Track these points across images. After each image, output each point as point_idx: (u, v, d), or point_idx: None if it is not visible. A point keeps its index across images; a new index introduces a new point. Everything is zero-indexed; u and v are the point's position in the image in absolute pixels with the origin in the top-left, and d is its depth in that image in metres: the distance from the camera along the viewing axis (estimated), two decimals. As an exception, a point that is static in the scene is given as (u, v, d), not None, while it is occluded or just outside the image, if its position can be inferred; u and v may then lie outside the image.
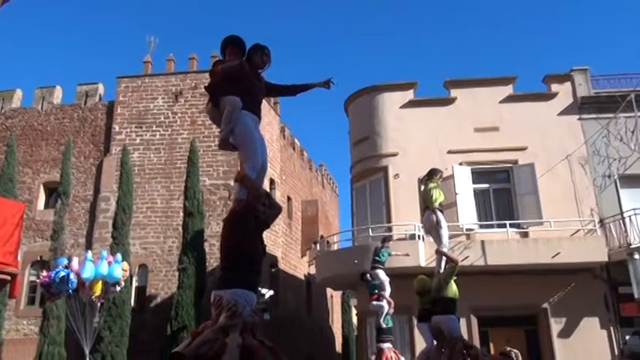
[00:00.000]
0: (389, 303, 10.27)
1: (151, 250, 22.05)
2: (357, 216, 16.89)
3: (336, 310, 35.82)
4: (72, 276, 12.31)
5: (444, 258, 8.03)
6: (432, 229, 8.27)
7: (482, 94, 16.86)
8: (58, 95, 25.11)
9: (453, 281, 8.12)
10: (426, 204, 8.55)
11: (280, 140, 28.61)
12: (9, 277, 8.30)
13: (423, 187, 9.02)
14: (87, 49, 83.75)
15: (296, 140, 31.61)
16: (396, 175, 16.07)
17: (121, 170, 20.78)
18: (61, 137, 23.95)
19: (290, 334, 25.75)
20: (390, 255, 10.57)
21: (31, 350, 19.34)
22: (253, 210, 4.24)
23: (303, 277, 29.30)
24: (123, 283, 13.88)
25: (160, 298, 21.41)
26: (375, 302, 10.33)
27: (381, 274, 10.31)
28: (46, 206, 23.30)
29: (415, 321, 10.91)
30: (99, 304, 14.46)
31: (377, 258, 10.56)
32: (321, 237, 28.10)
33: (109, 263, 12.92)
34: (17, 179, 21.78)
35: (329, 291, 32.70)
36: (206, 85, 4.88)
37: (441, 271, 8.03)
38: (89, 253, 13.49)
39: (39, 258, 21.83)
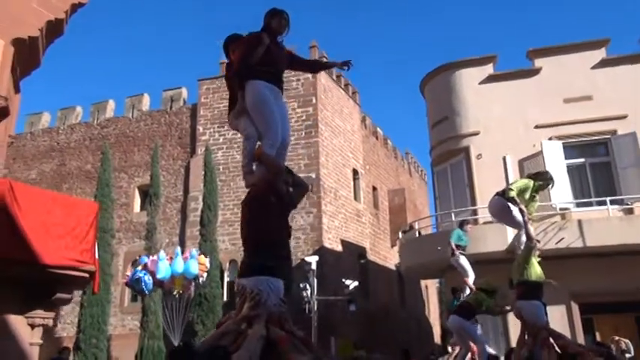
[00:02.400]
0: (472, 291, 9.58)
1: (239, 246, 22.40)
2: (440, 201, 16.13)
3: (432, 300, 34.87)
4: (146, 277, 12.72)
5: (521, 238, 7.28)
6: (503, 213, 7.48)
7: (571, 62, 15.44)
8: (146, 102, 26.36)
9: (536, 263, 7.33)
10: (504, 190, 7.75)
11: (362, 130, 28.19)
12: (87, 275, 8.57)
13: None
14: (169, 56, 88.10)
15: (378, 129, 31.03)
16: (479, 156, 15.14)
17: (205, 170, 21.38)
18: (151, 142, 25.11)
19: (383, 326, 25.33)
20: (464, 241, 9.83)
21: (135, 344, 20.42)
22: (274, 190, 3.92)
23: (394, 268, 28.71)
24: (204, 278, 14.16)
25: (250, 292, 21.82)
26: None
27: (462, 260, 9.63)
28: (142, 208, 24.54)
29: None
30: (187, 298, 14.92)
31: (457, 243, 9.89)
32: (410, 226, 27.40)
33: (185, 260, 13.20)
34: (113, 184, 23.06)
35: (423, 281, 31.88)
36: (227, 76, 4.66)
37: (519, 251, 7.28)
38: (162, 253, 13.89)
39: (137, 257, 23.03)
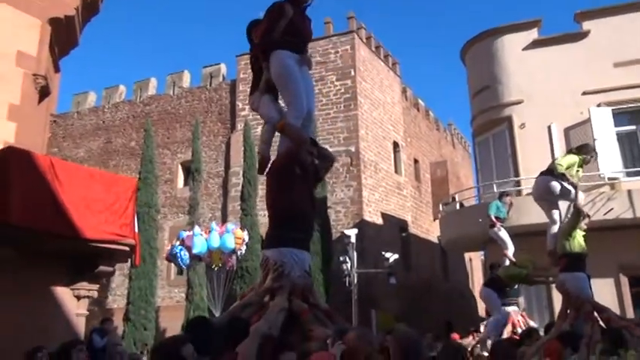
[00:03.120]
0: (512, 263, 9.34)
1: (280, 220, 22.70)
2: (482, 172, 15.73)
3: (477, 273, 34.39)
4: (182, 252, 12.96)
5: (567, 209, 7.02)
6: (547, 193, 7.23)
7: (622, 23, 14.60)
8: (186, 79, 26.63)
9: (580, 235, 7.05)
10: (549, 169, 7.45)
11: (402, 102, 27.71)
12: (127, 248, 8.78)
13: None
14: (208, 33, 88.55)
15: (420, 101, 30.43)
16: (522, 125, 14.62)
17: (245, 145, 21.49)
18: (192, 119, 25.42)
19: (425, 299, 25.21)
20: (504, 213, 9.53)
21: (182, 316, 21.02)
22: (298, 161, 3.83)
23: (436, 241, 28.38)
24: (242, 251, 14.33)
25: (291, 265, 22.05)
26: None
27: (501, 232, 9.37)
28: (185, 184, 25.01)
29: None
30: (228, 271, 15.19)
31: (496, 215, 9.62)
32: (453, 199, 26.95)
33: (221, 234, 13.34)
34: (157, 161, 23.51)
35: (467, 254, 31.45)
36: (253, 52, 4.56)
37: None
38: (197, 229, 14.08)
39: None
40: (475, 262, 34.14)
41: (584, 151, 7.46)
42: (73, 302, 8.95)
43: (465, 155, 37.29)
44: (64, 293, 8.83)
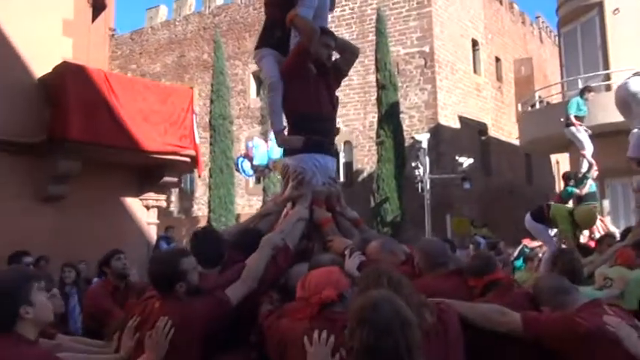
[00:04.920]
0: (590, 165, 8.53)
1: (353, 127, 22.37)
2: (567, 67, 14.35)
3: (563, 176, 32.76)
4: (244, 164, 13.05)
5: None
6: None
7: None
8: (253, -15, 25.83)
9: None
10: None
11: (483, -6, 25.49)
12: (188, 159, 8.91)
13: None
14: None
15: (502, -8, 27.88)
16: (615, 10, 12.94)
17: (312, 50, 20.86)
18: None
19: (507, 204, 24.41)
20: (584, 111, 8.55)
21: (261, 223, 21.79)
22: (312, 57, 3.43)
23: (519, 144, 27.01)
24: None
25: (365, 172, 21.93)
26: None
27: (578, 132, 8.51)
28: (258, 94, 25.02)
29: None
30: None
31: (576, 114, 8.71)
32: (540, 99, 25.17)
33: (280, 145, 13.21)
34: (228, 72, 23.50)
35: (554, 156, 29.83)
36: None
37: None
38: (256, 140, 14.04)
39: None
40: (563, 164, 32.36)
41: None
42: (143, 211, 9.37)
43: (555, 51, 34.27)
44: (134, 203, 9.24)
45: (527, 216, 6.82)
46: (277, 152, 12.94)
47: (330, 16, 17.49)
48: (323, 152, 3.45)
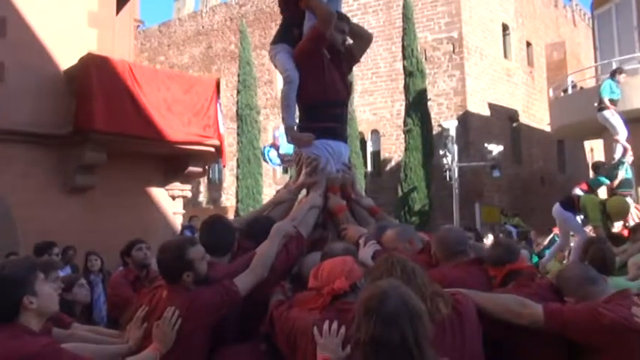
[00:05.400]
0: (625, 149, 8.21)
1: (380, 115, 22.16)
2: (601, 50, 13.86)
3: (599, 164, 31.87)
4: (270, 153, 13.01)
5: None
6: None
7: None
8: (278, -26, 25.70)
9: None
10: None
11: (513, -23, 24.83)
12: (213, 149, 8.91)
13: None
14: None
15: (534, -26, 27.10)
16: (653, -11, 12.44)
17: (339, 38, 20.66)
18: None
19: (538, 192, 23.91)
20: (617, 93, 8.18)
21: (288, 213, 21.81)
22: (326, 41, 3.32)
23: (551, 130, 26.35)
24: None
25: (393, 161, 21.71)
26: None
27: (610, 116, 8.18)
28: (284, 84, 24.96)
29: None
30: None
31: (610, 97, 8.38)
32: (574, 84, 24.45)
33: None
34: (254, 62, 23.48)
35: (588, 143, 29.03)
36: None
37: None
38: (281, 129, 13.97)
39: (283, 132, 23.90)
40: (597, 151, 31.48)
41: None
42: (169, 201, 9.43)
43: (589, 34, 33.26)
44: (159, 193, 9.31)
45: (557, 205, 6.59)
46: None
47: (356, 3, 17.35)
48: (336, 138, 3.36)
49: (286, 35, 3.56)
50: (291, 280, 2.74)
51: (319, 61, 3.32)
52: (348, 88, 3.53)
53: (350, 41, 3.62)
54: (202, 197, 26.79)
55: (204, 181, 26.57)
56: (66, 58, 8.02)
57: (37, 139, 7.70)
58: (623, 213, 6.32)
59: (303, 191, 3.38)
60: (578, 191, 7.57)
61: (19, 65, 7.68)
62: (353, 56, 3.66)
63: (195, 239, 2.57)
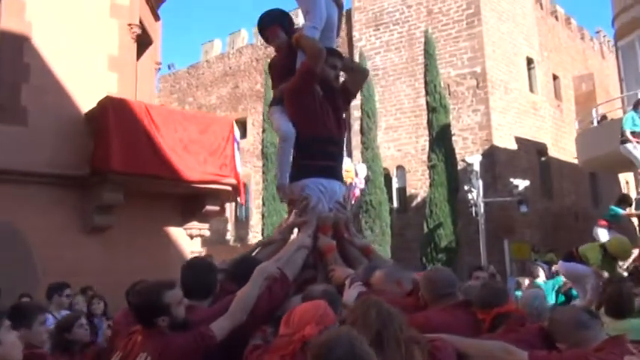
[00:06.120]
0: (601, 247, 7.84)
1: (405, 151, 22.05)
2: (626, 81, 13.59)
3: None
4: None
5: None
6: None
7: None
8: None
9: None
10: None
11: (537, 11, 24.82)
12: (229, 188, 8.95)
13: None
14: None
15: (558, 7, 27.07)
16: (676, 19, 12.22)
17: (361, 76, 20.82)
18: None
19: (571, 228, 23.21)
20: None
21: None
22: (317, 78, 3.31)
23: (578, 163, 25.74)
24: (356, 185, 14.08)
25: (419, 197, 21.46)
26: None
27: (636, 150, 7.94)
28: (309, 122, 25.17)
29: None
30: (351, 206, 15.24)
31: (632, 129, 8.16)
32: (603, 116, 23.97)
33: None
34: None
35: (622, 176, 28.24)
36: None
37: None
38: None
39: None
40: (633, 184, 30.58)
41: None
42: (187, 240, 9.46)
43: (616, 66, 32.86)
44: (177, 232, 9.34)
45: (560, 263, 6.40)
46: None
47: (378, 41, 17.46)
48: (329, 177, 3.30)
49: (282, 98, 3.56)
50: (274, 323, 2.65)
51: (311, 97, 3.30)
52: (342, 126, 3.49)
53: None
54: (229, 235, 26.88)
55: (231, 219, 26.75)
56: (87, 101, 8.24)
57: (57, 180, 7.87)
58: (624, 250, 6.05)
59: (295, 231, 3.32)
60: (598, 230, 7.34)
61: (41, 109, 7.93)
62: (349, 91, 3.64)
63: (173, 282, 2.52)
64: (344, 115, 3.51)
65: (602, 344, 2.09)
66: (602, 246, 5.98)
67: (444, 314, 2.45)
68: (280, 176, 3.44)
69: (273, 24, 3.71)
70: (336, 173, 3.38)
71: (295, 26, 3.78)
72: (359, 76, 3.72)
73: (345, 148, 3.65)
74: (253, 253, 3.25)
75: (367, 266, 2.98)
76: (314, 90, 3.32)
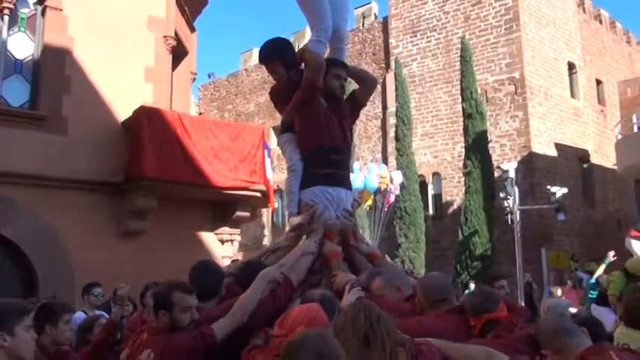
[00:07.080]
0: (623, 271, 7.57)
1: (442, 158, 21.89)
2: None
3: (685, 205, 29.70)
4: None
5: None
6: None
7: None
8: (339, 23, 26.46)
9: None
10: None
11: (579, 15, 24.28)
12: (259, 194, 9.14)
13: None
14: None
15: (602, 11, 26.39)
16: None
17: (396, 83, 20.84)
18: (348, 62, 25.31)
19: (614, 236, 22.49)
20: None
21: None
22: (320, 89, 3.42)
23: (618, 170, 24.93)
24: (391, 191, 14.11)
25: (455, 204, 21.24)
26: None
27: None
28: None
29: None
30: (387, 212, 15.37)
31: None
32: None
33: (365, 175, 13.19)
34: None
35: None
36: None
37: None
38: None
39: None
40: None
41: None
42: (218, 245, 9.69)
43: (667, 69, 31.72)
44: (208, 237, 9.59)
45: (595, 307, 6.28)
46: (359, 182, 12.95)
47: (415, 48, 17.51)
48: (335, 185, 3.40)
49: (292, 125, 3.66)
50: (278, 326, 2.77)
51: (315, 108, 3.42)
52: (349, 135, 3.59)
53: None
54: (266, 240, 27.20)
55: (268, 224, 27.08)
56: (124, 111, 8.59)
57: (94, 187, 8.22)
58: None
59: (304, 238, 3.44)
60: (631, 242, 7.15)
61: (80, 119, 8.31)
62: (357, 101, 3.75)
63: (192, 288, 2.62)
64: (353, 125, 3.61)
65: (584, 351, 2.11)
66: (624, 269, 5.84)
67: (437, 319, 2.51)
68: (289, 205, 3.54)
69: (271, 60, 3.73)
70: (342, 181, 3.49)
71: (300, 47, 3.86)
72: (368, 85, 3.82)
73: (352, 157, 3.76)
74: (262, 258, 3.38)
75: (369, 272, 3.07)
76: (318, 102, 3.44)
